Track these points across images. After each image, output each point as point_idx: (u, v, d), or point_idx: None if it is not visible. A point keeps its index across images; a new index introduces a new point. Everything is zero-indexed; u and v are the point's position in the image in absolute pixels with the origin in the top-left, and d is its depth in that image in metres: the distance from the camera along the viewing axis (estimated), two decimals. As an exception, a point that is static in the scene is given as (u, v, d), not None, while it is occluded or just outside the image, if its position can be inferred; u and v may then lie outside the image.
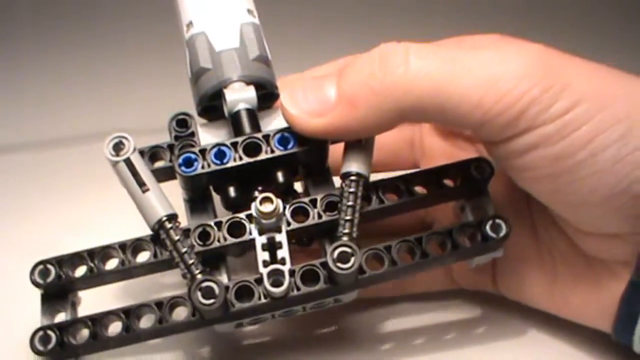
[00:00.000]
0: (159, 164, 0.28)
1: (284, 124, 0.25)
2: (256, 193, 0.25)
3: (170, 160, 0.27)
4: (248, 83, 0.27)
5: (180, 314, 0.25)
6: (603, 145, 0.22)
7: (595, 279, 0.26)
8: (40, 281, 0.25)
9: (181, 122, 0.27)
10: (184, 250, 0.24)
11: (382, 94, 0.23)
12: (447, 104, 0.22)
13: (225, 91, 0.26)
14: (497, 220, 0.25)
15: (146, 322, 0.25)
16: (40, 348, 0.24)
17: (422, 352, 0.29)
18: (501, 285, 0.29)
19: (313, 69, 0.30)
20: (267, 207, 0.23)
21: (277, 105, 0.28)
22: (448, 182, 0.26)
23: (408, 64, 0.23)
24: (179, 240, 0.24)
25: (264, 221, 0.24)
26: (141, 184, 0.25)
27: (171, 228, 0.24)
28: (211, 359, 0.30)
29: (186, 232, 0.25)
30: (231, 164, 0.25)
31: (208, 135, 0.28)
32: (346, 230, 0.24)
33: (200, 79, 0.27)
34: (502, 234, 0.25)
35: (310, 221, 0.25)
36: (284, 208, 0.25)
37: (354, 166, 0.25)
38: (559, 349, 0.28)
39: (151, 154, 0.27)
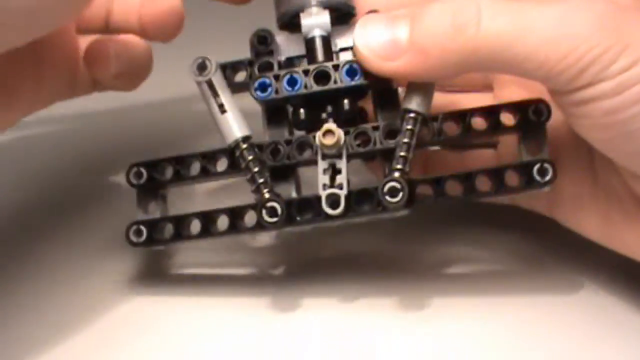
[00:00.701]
0: (240, 77, 0.30)
1: None
2: (322, 120, 0.27)
3: (250, 76, 0.29)
4: (324, 7, 0.28)
5: (251, 218, 0.28)
6: None
7: None
8: (134, 181, 0.29)
9: (261, 39, 0.29)
10: (255, 169, 0.27)
11: (453, 50, 0.24)
12: (513, 61, 0.24)
13: (302, 15, 0.28)
14: (545, 165, 0.26)
15: (221, 223, 0.28)
16: (134, 239, 0.29)
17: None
18: (557, 214, 0.30)
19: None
20: (329, 140, 0.26)
21: (353, 21, 0.29)
22: (506, 120, 0.27)
23: (479, 24, 0.24)
24: (251, 160, 0.27)
25: (325, 150, 0.26)
26: (220, 105, 0.27)
27: (245, 149, 0.27)
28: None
29: (260, 147, 0.28)
30: (302, 91, 0.27)
31: (288, 48, 0.29)
32: (399, 166, 0.26)
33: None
34: (547, 178, 0.26)
35: (370, 147, 0.27)
36: (348, 132, 0.27)
37: (414, 104, 0.26)
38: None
39: (233, 67, 0.30)
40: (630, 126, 0.24)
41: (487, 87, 0.33)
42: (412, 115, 0.26)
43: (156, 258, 0.33)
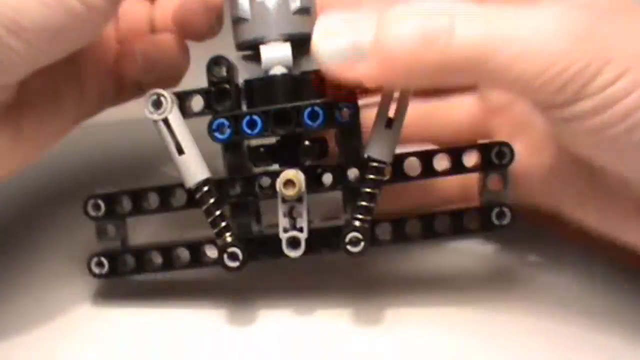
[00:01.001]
0: (197, 106, 0.29)
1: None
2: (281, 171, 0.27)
3: (207, 106, 0.28)
4: (285, 40, 0.27)
5: (212, 251, 0.28)
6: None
7: None
8: (92, 213, 0.29)
9: (218, 67, 0.28)
10: (216, 213, 0.27)
11: (422, 61, 0.22)
12: (488, 75, 0.22)
13: (262, 48, 0.27)
14: (504, 209, 0.27)
15: (183, 256, 0.29)
16: (96, 271, 0.29)
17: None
18: (560, 210, 0.29)
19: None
20: (290, 191, 0.26)
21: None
22: (468, 162, 0.28)
23: (452, 33, 0.22)
24: (212, 204, 0.27)
25: (286, 198, 0.26)
26: (177, 144, 0.27)
27: (205, 193, 0.27)
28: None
29: (220, 182, 0.27)
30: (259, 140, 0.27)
31: (246, 71, 0.29)
32: (360, 216, 0.26)
33: (239, 27, 0.28)
34: (505, 222, 0.27)
35: (331, 186, 0.27)
36: (307, 170, 0.27)
37: (378, 152, 0.26)
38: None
39: (189, 97, 0.29)
40: (619, 143, 0.23)
41: (471, 87, 0.31)
42: (374, 164, 0.26)
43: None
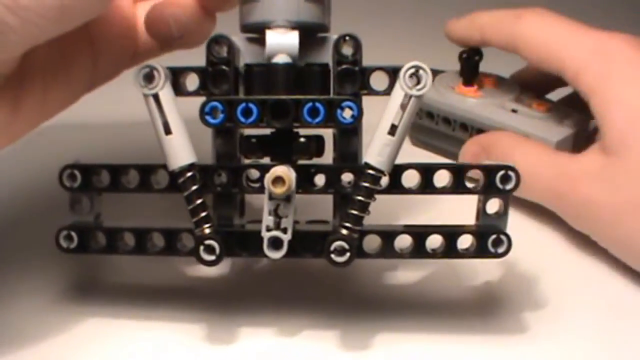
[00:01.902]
0: (191, 84, 0.27)
1: (324, 60, 0.26)
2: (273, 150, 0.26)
3: (202, 86, 0.27)
4: (293, 27, 0.25)
5: (188, 241, 0.26)
6: None
7: None
8: (67, 184, 0.27)
9: (218, 46, 0.26)
10: (197, 202, 0.25)
11: None
12: None
13: (267, 32, 0.25)
14: (501, 237, 0.26)
15: (157, 241, 0.27)
16: (64, 244, 0.27)
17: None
18: None
19: None
20: (279, 189, 0.24)
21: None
22: (470, 183, 0.26)
23: None
24: (193, 191, 0.25)
25: (274, 195, 0.25)
26: (165, 123, 0.25)
27: (188, 179, 0.25)
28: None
29: (205, 169, 0.26)
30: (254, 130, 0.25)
31: (249, 53, 0.27)
32: (348, 225, 0.25)
33: (246, 6, 0.26)
34: (501, 250, 0.26)
35: (322, 189, 0.26)
36: (298, 168, 0.25)
37: (376, 160, 0.24)
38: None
39: (184, 74, 0.27)
40: None
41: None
42: (371, 172, 0.24)
43: (88, 265, 0.31)
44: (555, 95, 0.41)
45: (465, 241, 0.26)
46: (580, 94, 0.33)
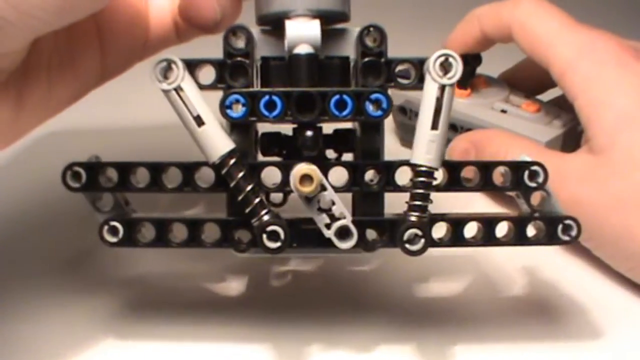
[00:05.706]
0: (206, 78, 0.25)
1: (347, 53, 0.25)
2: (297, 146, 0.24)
3: (219, 79, 0.25)
4: (314, 16, 0.25)
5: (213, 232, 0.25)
6: None
7: None
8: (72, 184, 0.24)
9: (236, 38, 0.25)
10: (248, 188, 0.23)
11: None
12: None
13: (287, 23, 0.24)
14: (570, 222, 0.25)
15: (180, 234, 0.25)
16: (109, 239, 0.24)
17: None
18: None
19: None
20: (307, 187, 0.23)
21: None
22: (498, 179, 0.26)
23: None
24: (242, 178, 0.24)
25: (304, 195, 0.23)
26: (197, 117, 0.23)
27: (233, 166, 0.23)
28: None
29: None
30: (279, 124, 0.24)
31: (266, 45, 0.26)
32: (417, 214, 0.24)
33: None
34: (573, 234, 0.25)
35: (344, 188, 0.25)
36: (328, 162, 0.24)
37: (424, 159, 0.24)
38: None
39: (198, 67, 0.25)
40: None
41: None
42: (423, 169, 0.24)
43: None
44: (545, 96, 0.41)
45: (530, 229, 0.25)
46: (565, 94, 0.34)
